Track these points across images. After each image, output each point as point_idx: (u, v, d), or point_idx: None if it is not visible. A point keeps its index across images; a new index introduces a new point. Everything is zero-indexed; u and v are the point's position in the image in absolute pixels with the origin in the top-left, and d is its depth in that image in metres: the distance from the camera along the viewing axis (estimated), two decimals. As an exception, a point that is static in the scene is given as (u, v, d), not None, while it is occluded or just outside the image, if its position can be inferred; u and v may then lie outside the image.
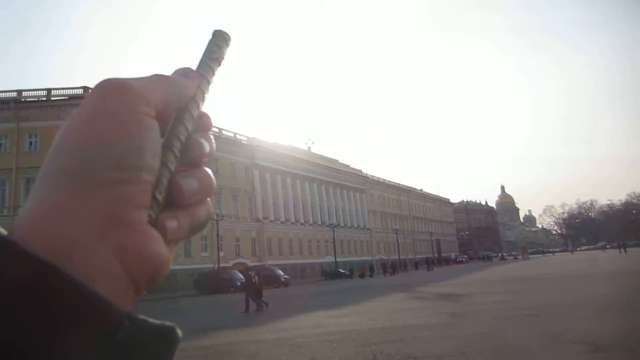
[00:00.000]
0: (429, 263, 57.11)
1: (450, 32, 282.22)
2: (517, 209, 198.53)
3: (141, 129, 0.30)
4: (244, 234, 48.03)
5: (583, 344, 6.62)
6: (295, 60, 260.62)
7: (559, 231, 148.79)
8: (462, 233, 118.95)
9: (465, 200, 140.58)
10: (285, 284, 36.21)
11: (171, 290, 31.76)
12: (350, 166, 71.68)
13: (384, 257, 67.31)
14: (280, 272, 37.56)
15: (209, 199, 0.35)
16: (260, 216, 50.50)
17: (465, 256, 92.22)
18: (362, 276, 45.81)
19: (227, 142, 47.91)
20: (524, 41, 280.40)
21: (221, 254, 40.76)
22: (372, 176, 77.58)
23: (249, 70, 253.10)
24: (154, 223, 0.31)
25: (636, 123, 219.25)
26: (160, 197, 0.32)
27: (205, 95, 0.36)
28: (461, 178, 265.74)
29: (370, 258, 64.88)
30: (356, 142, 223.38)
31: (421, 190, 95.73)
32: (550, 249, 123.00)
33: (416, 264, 63.56)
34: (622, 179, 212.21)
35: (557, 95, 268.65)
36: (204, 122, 0.36)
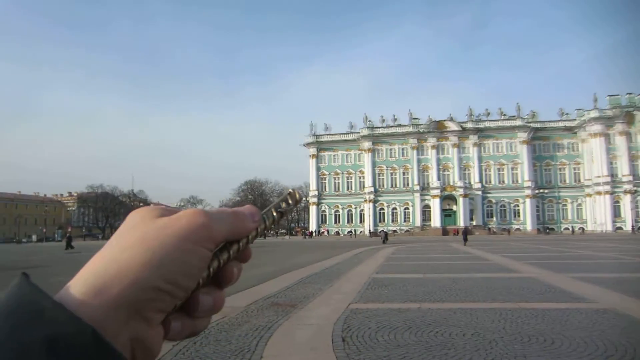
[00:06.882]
0: None
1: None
2: None
3: (200, 261, 0.37)
4: None
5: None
6: None
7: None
8: None
9: None
10: None
11: None
12: None
13: None
14: None
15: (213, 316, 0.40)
16: None
17: None
18: None
19: None
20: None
21: None
22: None
23: None
24: (163, 321, 0.36)
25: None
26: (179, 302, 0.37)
27: (256, 235, 0.41)
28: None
29: None
30: None
31: None
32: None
33: None
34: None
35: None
36: (245, 255, 0.42)
